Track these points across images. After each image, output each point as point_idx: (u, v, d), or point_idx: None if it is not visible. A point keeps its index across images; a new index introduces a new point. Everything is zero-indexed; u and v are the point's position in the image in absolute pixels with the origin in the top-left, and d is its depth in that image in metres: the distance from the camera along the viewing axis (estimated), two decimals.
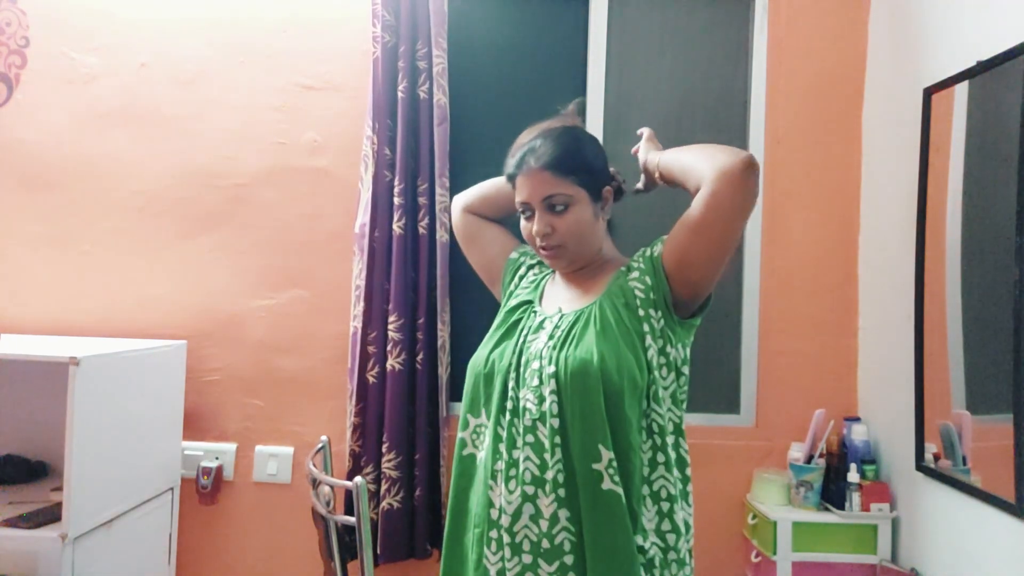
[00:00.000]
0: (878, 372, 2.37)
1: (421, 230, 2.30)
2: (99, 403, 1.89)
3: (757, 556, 2.26)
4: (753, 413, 2.48)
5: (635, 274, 1.38)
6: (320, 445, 2.07)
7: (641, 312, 1.34)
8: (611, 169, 1.49)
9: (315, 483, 1.85)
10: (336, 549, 1.79)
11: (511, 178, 1.42)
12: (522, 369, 1.34)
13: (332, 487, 1.84)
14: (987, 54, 1.86)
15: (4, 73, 2.43)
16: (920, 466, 2.08)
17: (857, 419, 2.35)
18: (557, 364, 1.29)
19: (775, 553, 2.17)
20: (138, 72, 2.44)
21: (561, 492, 1.27)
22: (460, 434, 1.42)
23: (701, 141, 2.52)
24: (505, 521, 1.29)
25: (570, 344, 1.31)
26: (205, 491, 2.36)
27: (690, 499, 1.39)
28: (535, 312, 1.42)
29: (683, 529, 1.34)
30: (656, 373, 1.34)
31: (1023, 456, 1.69)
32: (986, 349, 1.89)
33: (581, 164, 1.37)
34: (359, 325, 2.29)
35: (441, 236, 2.29)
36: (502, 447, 1.32)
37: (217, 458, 2.39)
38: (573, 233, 1.37)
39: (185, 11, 2.44)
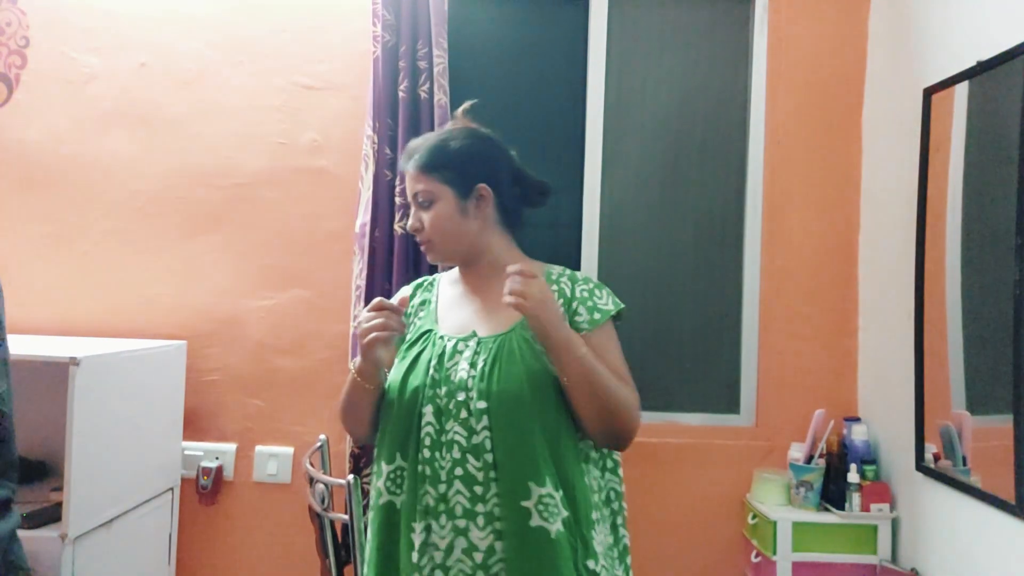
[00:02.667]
0: (878, 372, 2.37)
1: None
2: (99, 403, 1.89)
3: (757, 556, 2.26)
4: (753, 413, 2.48)
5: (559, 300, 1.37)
6: (318, 444, 2.07)
7: None
8: (515, 169, 1.47)
9: (312, 481, 1.85)
10: (331, 547, 1.79)
11: None
12: (444, 400, 1.30)
13: (328, 485, 1.84)
14: (987, 54, 1.86)
15: (4, 73, 2.43)
16: (920, 466, 2.08)
17: (857, 419, 2.35)
18: (488, 399, 1.27)
19: (775, 553, 2.17)
20: (138, 72, 2.44)
21: (498, 525, 1.25)
22: (376, 483, 1.36)
23: (701, 141, 2.56)
24: (438, 557, 1.26)
25: (497, 375, 1.28)
26: (205, 491, 2.36)
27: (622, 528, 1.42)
28: (440, 337, 1.38)
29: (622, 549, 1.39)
30: None
31: (1023, 456, 1.69)
32: (986, 349, 1.89)
33: (445, 162, 1.39)
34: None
35: None
36: (427, 485, 1.28)
37: (217, 458, 2.39)
38: (435, 228, 1.39)
39: (185, 11, 2.44)
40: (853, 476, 2.19)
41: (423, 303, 1.49)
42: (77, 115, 2.43)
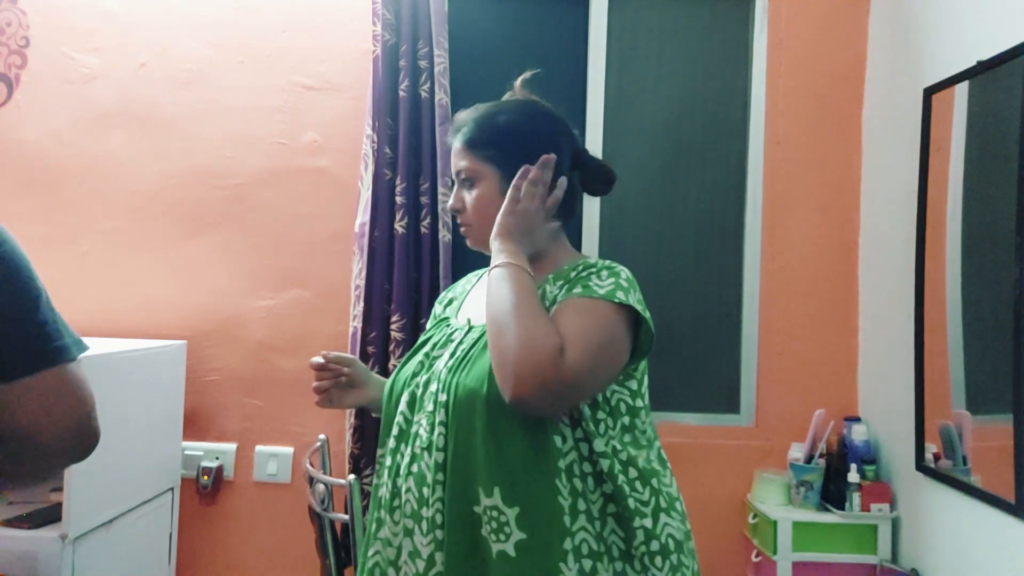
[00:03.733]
0: (878, 372, 2.37)
1: (423, 230, 2.30)
2: (99, 403, 1.89)
3: (757, 556, 2.26)
4: (753, 413, 2.48)
5: (555, 288, 1.19)
6: (318, 444, 2.07)
7: None
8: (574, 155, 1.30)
9: (312, 481, 1.85)
10: (331, 547, 1.79)
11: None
12: (421, 390, 1.20)
13: (328, 485, 1.84)
14: (987, 54, 1.86)
15: (4, 73, 2.43)
16: (920, 466, 2.08)
17: (857, 419, 2.35)
18: (448, 391, 1.14)
19: (775, 553, 2.17)
20: (138, 72, 2.44)
21: (439, 534, 1.11)
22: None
23: (701, 141, 2.55)
24: (391, 554, 1.17)
25: (464, 367, 1.15)
26: (205, 491, 2.36)
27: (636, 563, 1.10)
28: (447, 325, 1.29)
29: None
30: (585, 409, 1.12)
31: (1023, 456, 1.69)
32: (986, 349, 1.89)
33: (490, 138, 1.24)
34: (359, 325, 2.29)
35: (443, 236, 2.29)
36: (386, 475, 1.21)
37: (217, 458, 2.39)
38: (476, 211, 1.25)
39: (185, 11, 2.44)
40: (853, 476, 2.19)
41: (452, 300, 1.38)
42: (77, 115, 2.43)
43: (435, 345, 1.25)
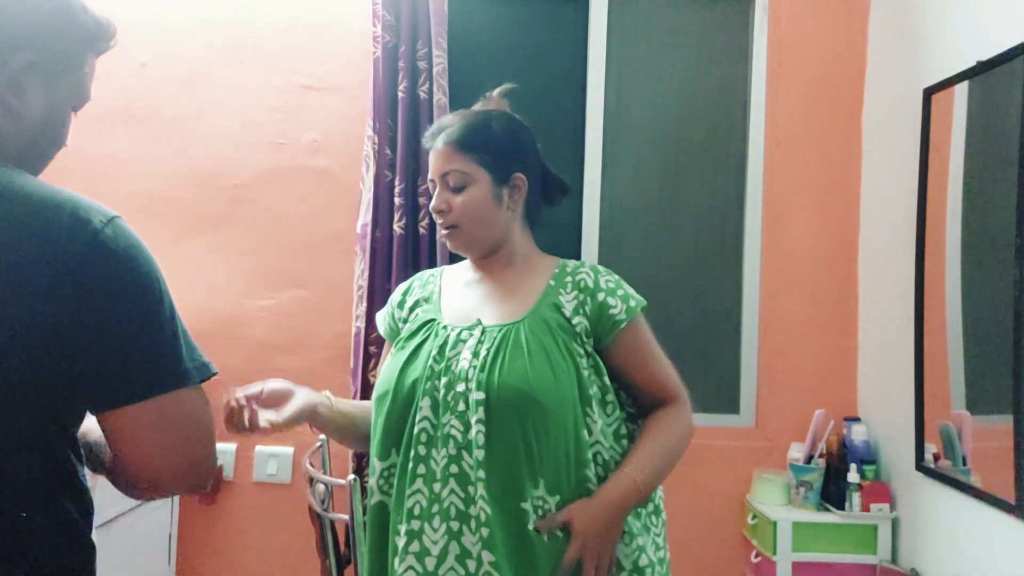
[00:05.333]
0: (878, 372, 2.37)
1: (422, 230, 2.31)
2: None
3: (757, 556, 2.26)
4: (753, 413, 2.48)
5: (571, 298, 1.28)
6: (318, 444, 2.07)
7: (576, 342, 1.25)
8: (542, 165, 1.39)
9: (312, 481, 1.85)
10: (331, 547, 1.79)
11: (428, 154, 1.37)
12: (443, 391, 1.21)
13: (328, 485, 1.84)
14: (987, 54, 1.86)
15: None
16: (920, 466, 2.08)
17: (857, 419, 2.35)
18: (487, 390, 1.18)
19: (775, 553, 2.17)
20: (138, 72, 2.44)
21: (484, 532, 1.15)
22: (370, 481, 1.28)
23: (701, 141, 2.55)
24: (430, 563, 1.16)
25: (500, 367, 1.19)
26: (205, 491, 2.36)
27: (662, 539, 1.30)
28: (444, 327, 1.28)
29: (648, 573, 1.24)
30: (596, 405, 1.25)
31: (1023, 456, 1.69)
32: (986, 349, 1.89)
33: (485, 144, 1.29)
34: (361, 325, 2.29)
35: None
36: (419, 483, 1.19)
37: (217, 458, 2.39)
38: (467, 213, 1.28)
39: (185, 11, 2.44)
40: (853, 476, 2.19)
41: (418, 302, 1.37)
42: (77, 115, 2.42)
43: (441, 348, 1.24)
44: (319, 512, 1.79)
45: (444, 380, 1.22)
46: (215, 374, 0.88)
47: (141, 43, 2.44)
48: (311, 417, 1.26)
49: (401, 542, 1.18)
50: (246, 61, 2.44)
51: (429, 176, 1.33)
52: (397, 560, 1.18)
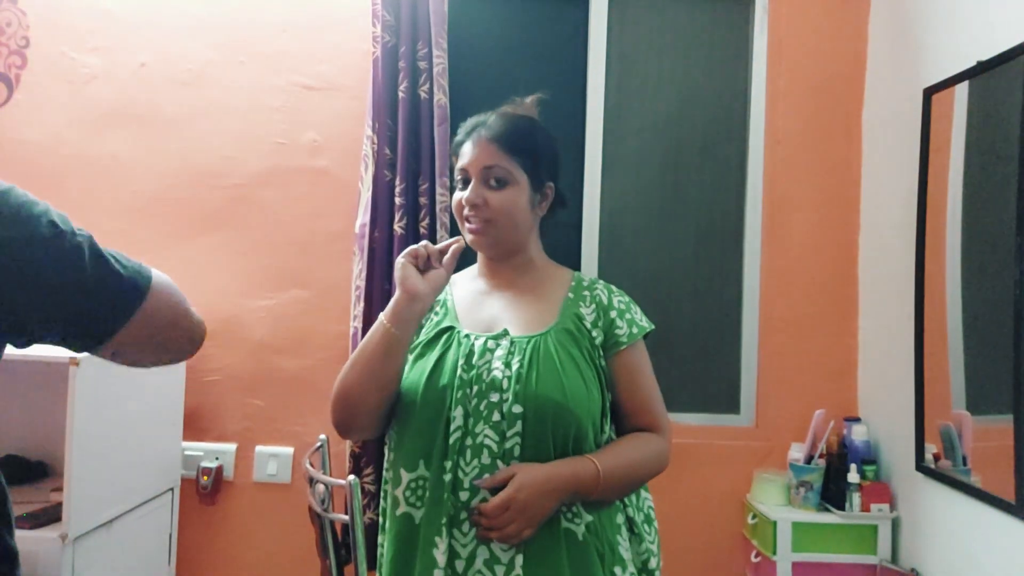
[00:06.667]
0: (878, 372, 2.37)
1: (422, 230, 2.30)
2: (99, 403, 1.89)
3: (757, 556, 2.26)
4: (753, 413, 2.48)
5: (590, 311, 1.34)
6: (318, 444, 2.07)
7: (596, 354, 1.31)
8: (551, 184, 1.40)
9: (312, 482, 1.85)
10: (331, 547, 1.79)
11: (457, 145, 1.35)
12: (475, 401, 1.23)
13: (328, 486, 1.84)
14: (987, 54, 1.86)
15: (4, 73, 2.43)
16: (920, 466, 2.08)
17: (857, 419, 2.35)
18: (525, 403, 1.21)
19: (775, 553, 2.17)
20: (138, 72, 2.44)
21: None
22: (393, 491, 1.28)
23: (701, 142, 2.55)
24: (459, 566, 1.19)
25: (536, 379, 1.22)
26: (205, 491, 2.36)
27: (656, 546, 1.36)
28: (466, 336, 1.29)
29: (655, 550, 1.35)
30: (607, 417, 1.33)
31: (1023, 456, 1.69)
32: (986, 349, 1.89)
33: (529, 148, 1.32)
34: (359, 326, 2.28)
35: (442, 237, 2.29)
36: (451, 493, 1.21)
37: (217, 458, 2.39)
38: (504, 211, 1.29)
39: (185, 11, 2.44)
40: (853, 476, 2.19)
41: (431, 307, 1.37)
42: (77, 115, 2.43)
43: (468, 357, 1.25)
44: (319, 512, 1.79)
45: (475, 389, 1.23)
46: (150, 272, 0.94)
47: (141, 43, 2.44)
48: (434, 292, 1.27)
49: (442, 557, 1.18)
50: (246, 61, 2.44)
51: (460, 166, 1.32)
52: (439, 572, 1.18)
